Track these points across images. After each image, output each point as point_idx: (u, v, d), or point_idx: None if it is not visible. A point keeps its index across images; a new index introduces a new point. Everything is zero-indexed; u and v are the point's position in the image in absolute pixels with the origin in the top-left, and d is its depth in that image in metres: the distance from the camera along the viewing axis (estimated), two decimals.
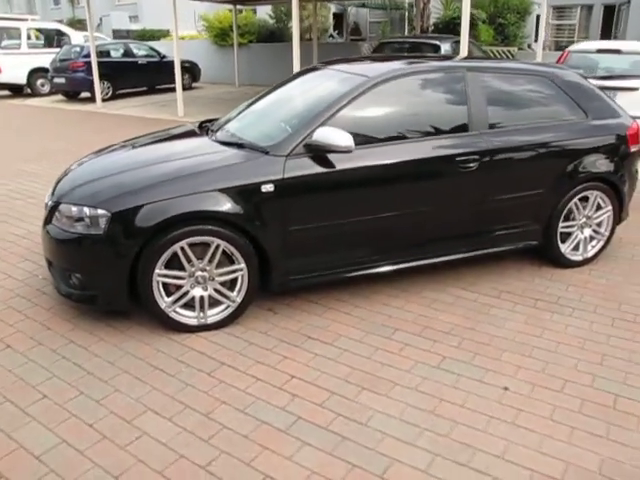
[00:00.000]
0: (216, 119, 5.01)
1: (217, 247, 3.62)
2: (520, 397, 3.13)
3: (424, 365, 3.42)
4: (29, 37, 19.03)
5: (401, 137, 4.09)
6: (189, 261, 3.62)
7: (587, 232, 4.82)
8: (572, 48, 9.51)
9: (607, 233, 4.88)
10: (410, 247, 4.24)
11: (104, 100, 16.25)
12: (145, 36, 28.37)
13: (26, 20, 20.15)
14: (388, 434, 2.83)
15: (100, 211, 3.55)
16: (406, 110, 4.26)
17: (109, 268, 3.59)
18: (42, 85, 18.72)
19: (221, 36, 22.19)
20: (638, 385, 3.24)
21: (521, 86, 4.56)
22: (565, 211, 4.62)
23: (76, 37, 19.73)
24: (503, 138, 4.31)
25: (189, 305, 3.73)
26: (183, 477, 2.56)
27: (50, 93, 18.51)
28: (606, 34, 22.10)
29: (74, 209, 3.67)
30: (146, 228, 3.49)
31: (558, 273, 4.70)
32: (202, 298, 3.71)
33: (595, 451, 2.74)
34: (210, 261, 3.66)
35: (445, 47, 10.52)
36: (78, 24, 31.69)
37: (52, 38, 19.91)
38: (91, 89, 16.11)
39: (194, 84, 20.29)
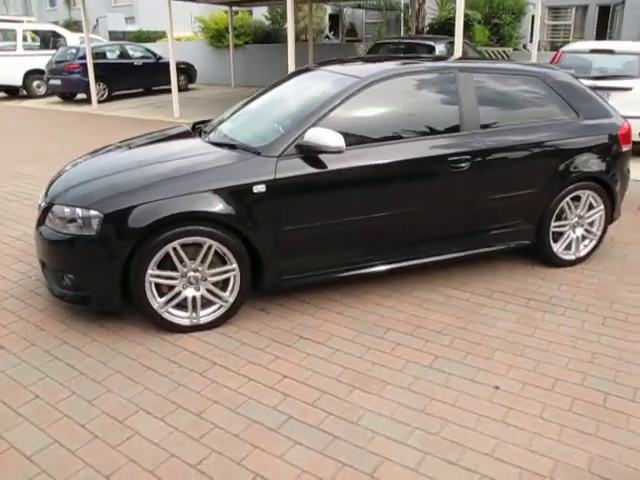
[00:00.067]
0: (209, 120, 5.03)
1: (209, 247, 3.63)
2: (511, 396, 3.15)
3: (416, 364, 3.43)
4: (25, 39, 19.07)
5: (393, 137, 4.10)
6: (181, 261, 3.63)
7: (579, 231, 4.84)
8: (566, 48, 9.55)
9: (599, 232, 4.90)
10: (402, 247, 4.26)
11: (100, 102, 16.26)
12: (141, 37, 28.36)
13: (22, 22, 20.20)
14: (379, 433, 2.85)
15: (93, 212, 3.56)
16: (398, 110, 4.28)
17: (102, 269, 3.60)
18: (38, 87, 18.73)
19: (217, 37, 22.21)
20: (628, 383, 3.26)
21: (513, 86, 4.58)
22: (557, 211, 4.64)
23: (72, 39, 19.76)
24: (495, 138, 4.33)
25: (182, 305, 3.74)
26: (174, 476, 2.58)
27: (46, 95, 18.52)
28: (601, 34, 22.19)
29: (67, 210, 3.68)
30: (138, 229, 3.51)
31: (550, 272, 4.72)
32: (194, 298, 3.73)
33: (584, 449, 2.75)
34: (202, 261, 3.67)
35: (440, 48, 10.56)
36: (74, 25, 31.69)
37: (48, 40, 19.94)
38: (87, 91, 16.11)
39: (190, 85, 20.30)
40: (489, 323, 3.92)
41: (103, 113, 14.86)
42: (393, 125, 4.17)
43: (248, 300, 4.00)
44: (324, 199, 3.89)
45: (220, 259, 3.72)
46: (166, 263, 3.61)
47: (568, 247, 4.83)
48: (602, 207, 4.81)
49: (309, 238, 3.91)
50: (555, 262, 4.80)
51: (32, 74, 18.42)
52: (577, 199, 4.73)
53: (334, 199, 3.92)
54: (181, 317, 3.75)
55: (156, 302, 3.66)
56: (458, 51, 8.87)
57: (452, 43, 9.44)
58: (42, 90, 18.63)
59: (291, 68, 10.25)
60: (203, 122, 5.05)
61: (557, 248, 4.76)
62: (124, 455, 2.70)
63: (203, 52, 22.70)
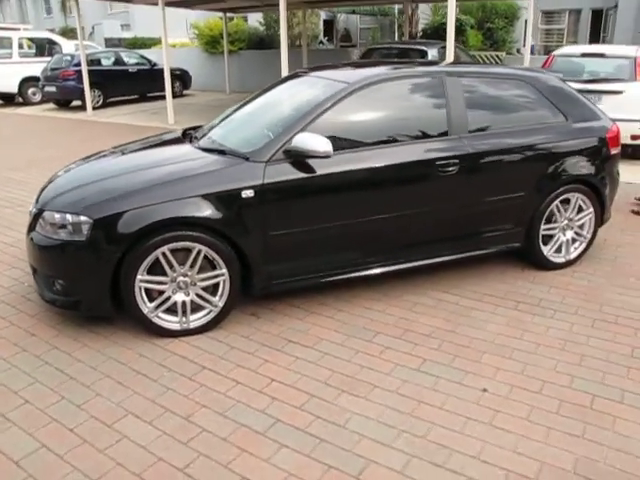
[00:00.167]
0: (200, 126, 5.05)
1: (199, 252, 3.65)
2: (498, 398, 3.16)
3: (404, 368, 3.45)
4: (21, 46, 19.09)
5: (381, 142, 4.12)
6: (171, 266, 3.65)
7: (569, 234, 4.86)
8: (557, 52, 9.59)
9: (589, 235, 4.92)
10: (391, 251, 4.27)
11: (95, 108, 16.30)
12: (136, 44, 28.41)
13: (18, 29, 20.21)
14: (365, 436, 2.86)
15: (82, 218, 3.58)
16: (386, 115, 4.31)
17: (92, 274, 3.62)
18: (33, 94, 18.75)
19: (211, 44, 22.26)
20: (616, 385, 3.27)
21: (501, 90, 4.60)
22: (547, 213, 4.66)
23: (67, 46, 19.79)
24: (483, 142, 4.35)
25: (172, 310, 3.75)
26: (161, 479, 2.59)
27: (41, 102, 18.54)
28: (594, 38, 22.29)
29: (57, 216, 3.70)
30: (128, 234, 3.52)
31: (541, 275, 4.74)
32: (184, 303, 3.74)
33: (570, 450, 2.76)
34: (192, 266, 3.68)
35: (432, 52, 10.61)
36: (70, 33, 31.65)
37: (43, 47, 19.99)
38: (82, 97, 16.13)
39: (185, 91, 20.36)
40: (478, 326, 3.93)
41: (98, 120, 14.88)
42: (381, 130, 4.19)
43: (239, 304, 4.02)
44: (313, 204, 3.92)
45: (210, 264, 3.73)
46: (156, 268, 3.63)
47: (558, 250, 4.85)
48: (592, 210, 4.84)
49: (298, 243, 3.93)
50: (545, 265, 4.82)
51: (28, 81, 18.45)
52: (567, 202, 4.75)
53: (323, 204, 3.94)
54: (171, 322, 3.77)
55: (146, 307, 3.67)
56: (450, 56, 8.92)
57: (444, 48, 9.49)
58: (37, 97, 18.66)
59: (285, 74, 10.29)
60: (193, 128, 5.08)
61: (547, 251, 4.77)
62: (111, 459, 2.71)
63: (198, 58, 22.74)
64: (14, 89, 18.47)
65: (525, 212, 4.58)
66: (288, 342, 3.74)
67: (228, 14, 20.68)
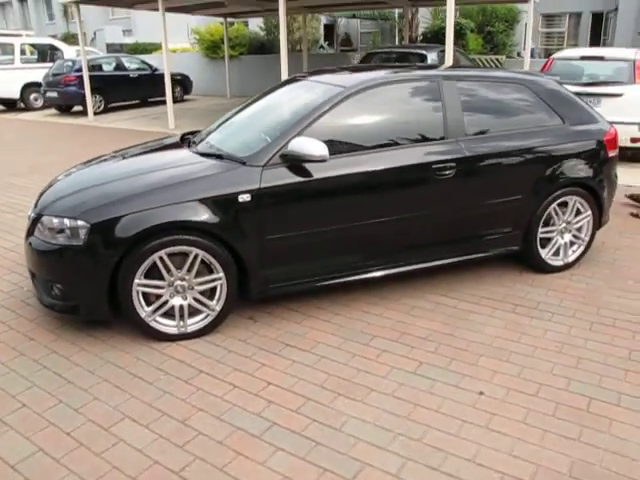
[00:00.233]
0: (198, 131, 5.07)
1: (196, 257, 3.66)
2: (495, 401, 3.16)
3: (400, 371, 3.45)
4: (23, 52, 19.16)
5: (378, 145, 4.13)
6: (168, 271, 3.66)
7: (567, 237, 4.86)
8: (556, 55, 9.61)
9: (587, 238, 4.92)
10: (389, 254, 4.28)
11: (96, 113, 16.34)
12: (138, 49, 28.49)
13: (20, 36, 20.34)
14: (361, 439, 2.86)
15: (80, 222, 3.60)
16: (383, 119, 4.32)
17: (90, 278, 3.63)
18: (35, 99, 18.80)
19: (212, 49, 22.31)
20: (612, 387, 3.27)
21: (498, 94, 4.61)
22: (544, 217, 4.66)
23: (69, 52, 19.84)
24: (480, 145, 4.36)
25: (169, 314, 3.76)
26: None
27: (43, 107, 18.60)
28: (595, 41, 22.33)
29: (55, 221, 3.71)
30: (125, 238, 3.53)
31: (539, 278, 4.74)
32: (182, 307, 3.75)
33: (566, 453, 2.76)
34: (189, 270, 3.70)
35: (432, 56, 10.62)
36: (72, 39, 31.79)
37: (45, 53, 20.05)
38: (83, 103, 16.17)
39: (186, 96, 20.40)
40: (475, 329, 3.94)
41: (99, 125, 14.93)
42: (378, 133, 4.21)
43: (236, 308, 4.03)
44: (310, 208, 3.93)
45: (207, 268, 3.74)
46: (153, 272, 3.64)
47: (556, 253, 4.85)
48: (590, 212, 4.83)
49: (295, 247, 3.94)
50: (543, 268, 4.82)
51: (29, 87, 18.51)
52: (564, 205, 4.75)
53: (320, 208, 3.95)
54: (169, 326, 3.78)
55: (144, 311, 3.68)
56: (449, 59, 8.93)
57: (444, 51, 9.51)
58: (39, 103, 18.72)
59: (285, 78, 10.31)
60: (192, 133, 5.10)
61: (545, 254, 4.77)
62: (108, 462, 2.72)
63: (199, 63, 22.80)
64: (16, 95, 18.51)
65: (523, 215, 4.58)
66: (285, 346, 3.74)
67: (229, 19, 20.76)
